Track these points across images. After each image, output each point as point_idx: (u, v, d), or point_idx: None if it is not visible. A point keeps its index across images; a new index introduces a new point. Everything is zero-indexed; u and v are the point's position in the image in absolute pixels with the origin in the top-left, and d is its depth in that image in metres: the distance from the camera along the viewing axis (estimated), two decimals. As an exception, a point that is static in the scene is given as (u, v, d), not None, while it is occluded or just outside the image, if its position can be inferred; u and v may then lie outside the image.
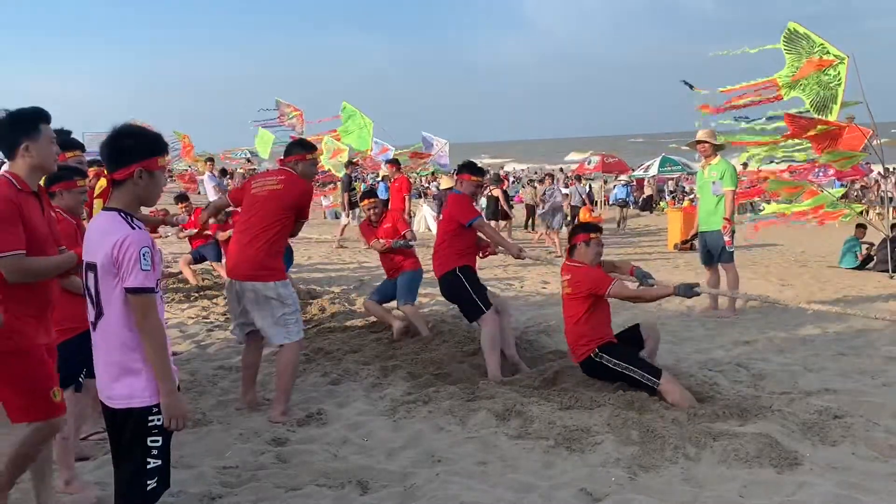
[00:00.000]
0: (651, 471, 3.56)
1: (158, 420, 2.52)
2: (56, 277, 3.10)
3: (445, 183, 14.40)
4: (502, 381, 5.03)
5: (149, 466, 2.53)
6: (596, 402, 4.44)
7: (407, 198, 11.60)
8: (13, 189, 2.92)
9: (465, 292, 5.37)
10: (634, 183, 27.10)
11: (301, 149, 4.76)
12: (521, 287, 9.27)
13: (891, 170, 13.46)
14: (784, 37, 8.84)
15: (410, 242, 6.74)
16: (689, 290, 4.69)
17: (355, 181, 17.25)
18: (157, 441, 2.53)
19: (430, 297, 8.29)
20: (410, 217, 12.36)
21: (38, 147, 2.95)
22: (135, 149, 2.53)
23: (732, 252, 7.36)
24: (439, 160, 20.72)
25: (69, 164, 4.69)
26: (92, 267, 2.50)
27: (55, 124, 4.57)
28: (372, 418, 4.43)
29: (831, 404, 4.37)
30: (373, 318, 6.97)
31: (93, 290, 2.51)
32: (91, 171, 6.48)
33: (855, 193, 20.25)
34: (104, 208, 2.61)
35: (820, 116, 8.65)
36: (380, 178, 18.62)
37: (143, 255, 2.42)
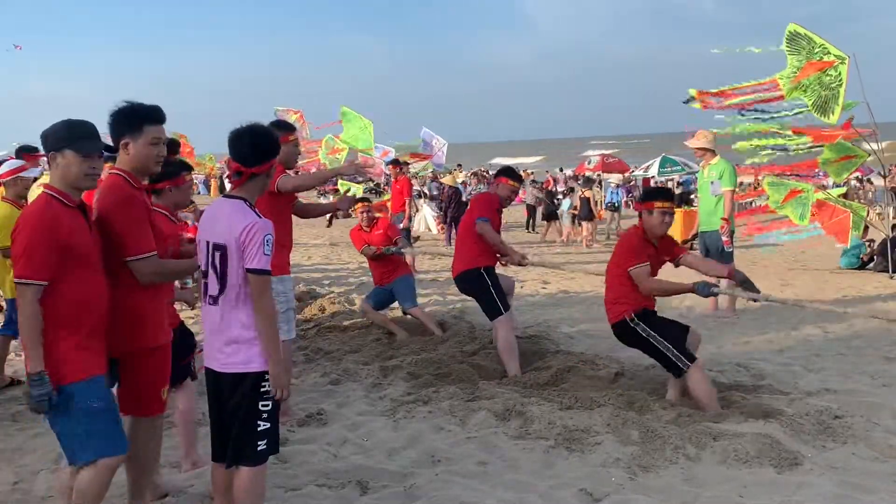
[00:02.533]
0: (651, 471, 3.56)
1: (270, 385, 2.75)
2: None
3: (449, 181, 14.41)
4: (499, 382, 5.03)
5: (259, 429, 2.74)
6: (596, 402, 4.44)
7: (408, 200, 11.60)
8: (131, 187, 2.96)
9: (488, 292, 5.43)
10: (633, 183, 26.81)
11: (279, 132, 4.32)
12: (521, 287, 9.27)
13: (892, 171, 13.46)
14: (786, 38, 8.87)
15: (402, 249, 6.78)
16: (706, 289, 4.47)
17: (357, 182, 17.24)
18: (268, 405, 2.76)
19: (430, 297, 8.30)
20: (411, 218, 12.35)
21: (136, 146, 2.94)
22: (274, 148, 2.88)
23: (732, 252, 7.36)
24: (435, 159, 20.72)
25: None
26: (219, 247, 2.75)
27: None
28: (372, 418, 4.43)
29: (831, 404, 4.36)
30: (369, 319, 6.98)
31: (219, 268, 2.75)
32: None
33: (855, 194, 20.23)
34: (226, 195, 2.87)
35: (822, 118, 8.68)
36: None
37: (267, 241, 2.70)
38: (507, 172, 5.85)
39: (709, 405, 4.28)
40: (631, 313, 4.52)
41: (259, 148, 2.82)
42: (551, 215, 16.98)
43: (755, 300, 4.44)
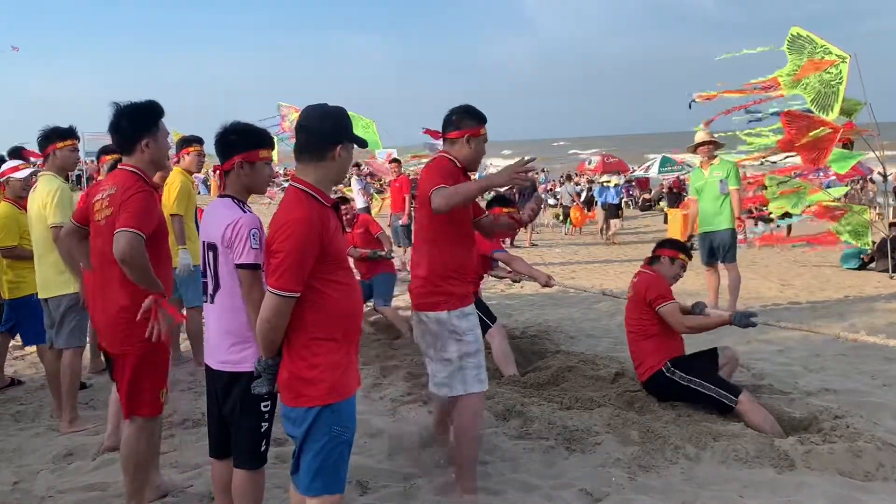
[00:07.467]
0: (651, 471, 3.55)
1: None
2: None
3: None
4: (498, 381, 5.03)
5: (262, 429, 2.72)
6: (596, 402, 4.44)
7: (408, 197, 11.60)
8: (144, 182, 3.06)
9: None
10: (634, 183, 26.78)
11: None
12: (521, 287, 9.27)
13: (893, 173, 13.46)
14: (787, 41, 8.92)
15: (391, 255, 6.82)
16: (744, 319, 4.12)
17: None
18: (268, 405, 2.72)
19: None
20: (410, 217, 12.33)
21: (156, 143, 3.10)
22: (238, 143, 2.78)
23: (736, 252, 7.36)
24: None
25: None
26: (212, 246, 2.74)
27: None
28: (372, 418, 4.43)
29: (831, 404, 4.36)
30: (372, 319, 6.99)
31: (212, 267, 2.75)
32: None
33: (856, 193, 20.21)
34: (220, 195, 2.82)
35: (821, 115, 8.67)
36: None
37: (253, 235, 2.64)
38: (498, 202, 5.55)
39: (769, 433, 3.96)
40: (665, 362, 4.36)
41: (225, 145, 2.78)
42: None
43: (755, 325, 4.18)
